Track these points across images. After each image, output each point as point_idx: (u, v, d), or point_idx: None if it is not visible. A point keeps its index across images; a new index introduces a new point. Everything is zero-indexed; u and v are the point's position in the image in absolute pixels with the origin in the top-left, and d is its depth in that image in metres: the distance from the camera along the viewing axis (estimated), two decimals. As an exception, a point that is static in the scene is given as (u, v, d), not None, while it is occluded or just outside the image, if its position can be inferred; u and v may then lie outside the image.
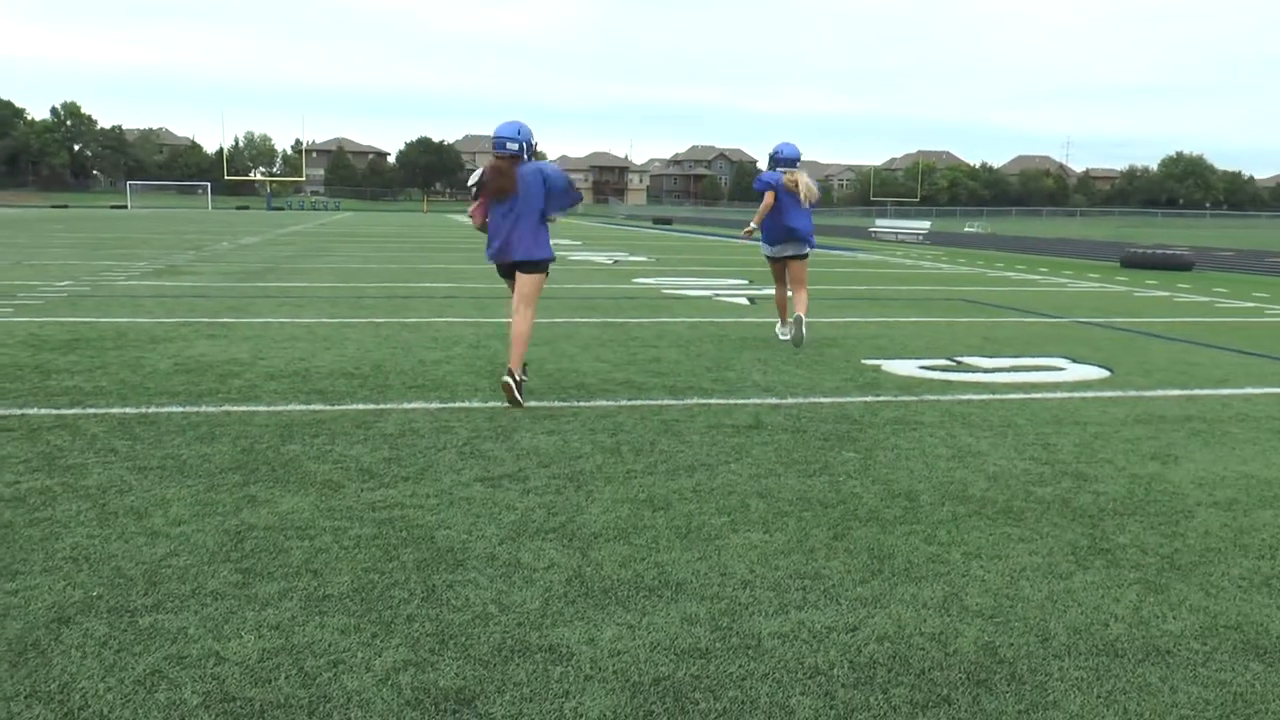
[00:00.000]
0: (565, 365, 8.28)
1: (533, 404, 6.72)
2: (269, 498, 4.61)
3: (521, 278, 7.04)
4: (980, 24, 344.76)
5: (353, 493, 4.71)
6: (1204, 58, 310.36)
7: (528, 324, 6.97)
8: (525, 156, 7.03)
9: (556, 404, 6.74)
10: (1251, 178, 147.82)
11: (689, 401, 6.90)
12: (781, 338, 9.88)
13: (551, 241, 7.10)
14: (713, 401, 6.93)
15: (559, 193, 7.07)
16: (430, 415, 6.33)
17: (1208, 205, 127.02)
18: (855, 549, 4.10)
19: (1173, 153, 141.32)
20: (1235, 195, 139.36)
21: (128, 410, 6.31)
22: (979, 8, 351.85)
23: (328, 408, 6.49)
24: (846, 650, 3.19)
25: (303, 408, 6.48)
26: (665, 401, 6.89)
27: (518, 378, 6.74)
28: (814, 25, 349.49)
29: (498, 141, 7.01)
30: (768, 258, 9.97)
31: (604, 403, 6.81)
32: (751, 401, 6.97)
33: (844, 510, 4.60)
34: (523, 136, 7.04)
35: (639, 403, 6.83)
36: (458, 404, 6.67)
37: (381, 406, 6.56)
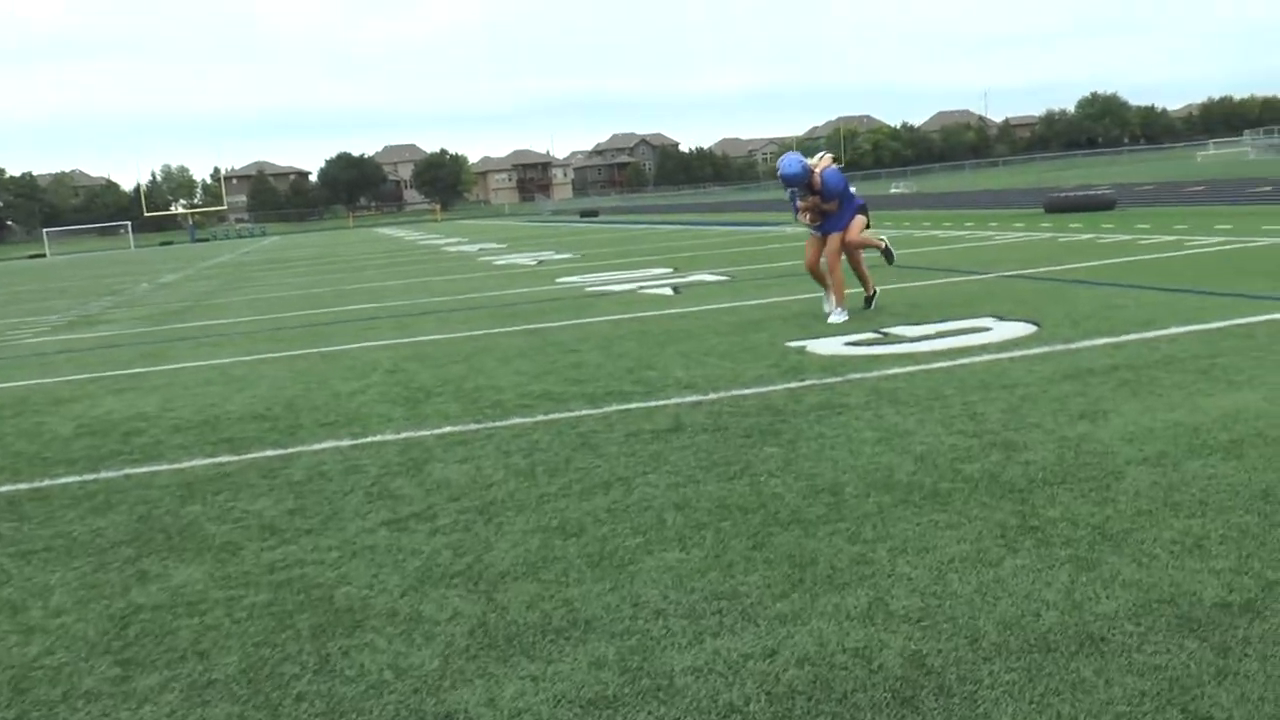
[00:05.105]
0: (483, 382, 8.02)
1: (447, 429, 6.47)
2: (161, 571, 4.33)
3: None
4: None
5: (251, 554, 4.44)
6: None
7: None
8: None
9: (471, 426, 6.50)
10: (1165, 110, 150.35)
11: (607, 409, 6.67)
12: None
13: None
14: (632, 406, 6.71)
15: None
16: (340, 454, 6.07)
17: (1125, 141, 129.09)
18: (775, 558, 3.91)
19: (1088, 93, 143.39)
20: (1151, 128, 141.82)
21: (19, 487, 5.98)
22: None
23: (234, 458, 6.20)
24: (764, 680, 2.99)
25: (207, 461, 6.18)
26: (583, 412, 6.66)
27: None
28: (724, 0, 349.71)
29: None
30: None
31: (520, 420, 6.58)
32: (672, 401, 6.76)
33: (764, 515, 4.40)
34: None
35: (556, 416, 6.60)
36: (369, 438, 6.41)
37: (290, 450, 6.28)
